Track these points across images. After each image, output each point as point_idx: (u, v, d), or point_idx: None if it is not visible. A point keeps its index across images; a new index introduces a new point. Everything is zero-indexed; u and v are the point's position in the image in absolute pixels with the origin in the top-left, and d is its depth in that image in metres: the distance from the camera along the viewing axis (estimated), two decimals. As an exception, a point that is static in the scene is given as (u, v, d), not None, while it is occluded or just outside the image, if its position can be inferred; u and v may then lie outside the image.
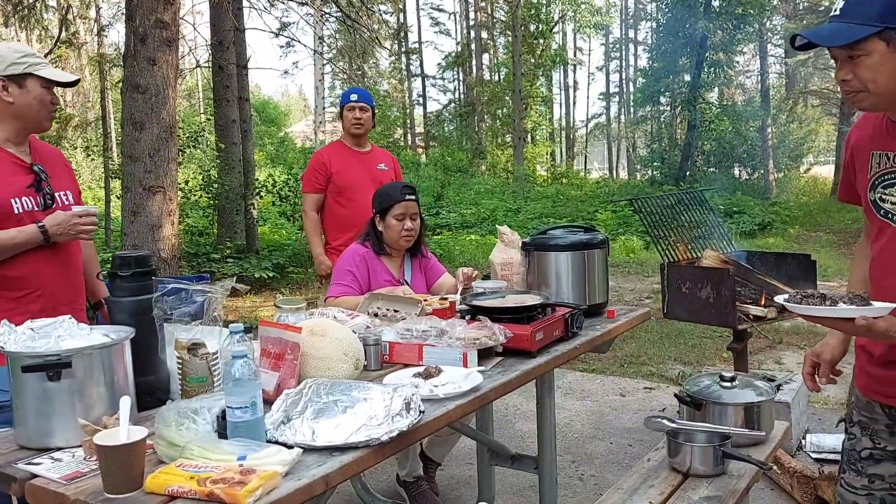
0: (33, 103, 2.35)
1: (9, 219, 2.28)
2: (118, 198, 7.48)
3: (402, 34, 30.32)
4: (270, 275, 9.39)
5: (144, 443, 1.45)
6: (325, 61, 27.60)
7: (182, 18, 11.43)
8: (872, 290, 1.71)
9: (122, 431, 1.45)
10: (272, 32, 14.26)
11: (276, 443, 1.56)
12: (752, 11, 19.04)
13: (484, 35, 30.07)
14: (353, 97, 4.35)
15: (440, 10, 31.27)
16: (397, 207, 3.10)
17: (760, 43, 22.21)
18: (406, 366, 2.22)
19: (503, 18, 27.72)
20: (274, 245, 10.96)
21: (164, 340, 1.85)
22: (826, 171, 23.05)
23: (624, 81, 36.25)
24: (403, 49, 30.94)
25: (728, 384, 2.61)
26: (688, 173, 19.61)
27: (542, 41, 27.78)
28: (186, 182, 10.75)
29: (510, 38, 24.25)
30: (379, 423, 1.63)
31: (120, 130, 7.05)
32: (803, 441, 3.90)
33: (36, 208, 2.35)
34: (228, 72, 10.14)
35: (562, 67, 33.28)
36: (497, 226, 3.35)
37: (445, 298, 2.79)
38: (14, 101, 2.32)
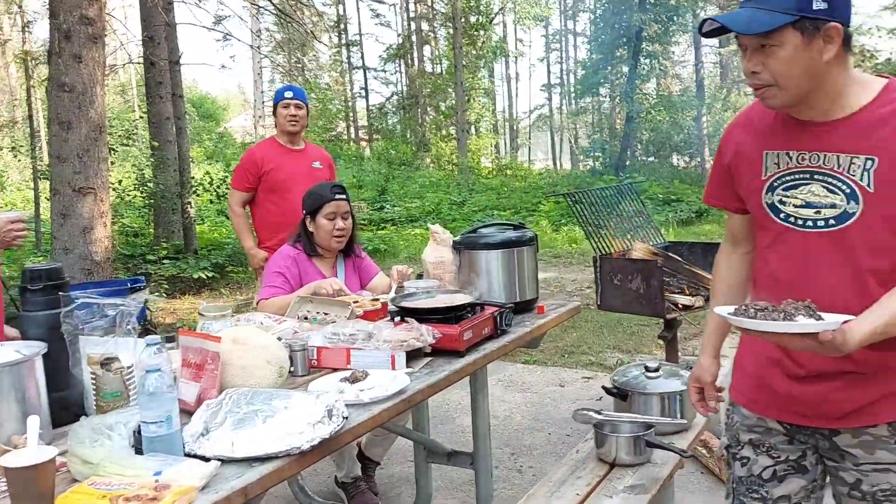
0: None
1: None
2: (48, 199, 7.22)
3: (343, 26, 30.00)
4: (210, 275, 9.21)
5: (54, 463, 1.41)
6: (262, 56, 27.16)
7: (110, 14, 11.08)
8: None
9: (30, 452, 1.41)
10: (205, 27, 13.95)
11: (195, 456, 1.55)
12: (685, 3, 19.50)
13: (425, 27, 29.97)
14: (288, 94, 4.31)
15: (380, 2, 30.95)
16: (328, 207, 3.08)
17: (694, 34, 22.75)
18: (334, 370, 2.22)
19: (443, 10, 27.69)
20: (213, 244, 10.73)
21: (79, 354, 1.80)
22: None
23: (564, 73, 36.66)
24: (344, 41, 30.63)
25: (653, 374, 2.69)
26: (627, 163, 20.02)
27: (482, 33, 27.87)
28: (120, 181, 10.45)
29: (451, 30, 24.25)
30: (300, 431, 1.62)
31: (48, 130, 6.81)
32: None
33: None
34: (161, 68, 9.87)
35: (503, 59, 33.53)
36: (429, 224, 3.35)
37: (377, 299, 2.79)
38: None
